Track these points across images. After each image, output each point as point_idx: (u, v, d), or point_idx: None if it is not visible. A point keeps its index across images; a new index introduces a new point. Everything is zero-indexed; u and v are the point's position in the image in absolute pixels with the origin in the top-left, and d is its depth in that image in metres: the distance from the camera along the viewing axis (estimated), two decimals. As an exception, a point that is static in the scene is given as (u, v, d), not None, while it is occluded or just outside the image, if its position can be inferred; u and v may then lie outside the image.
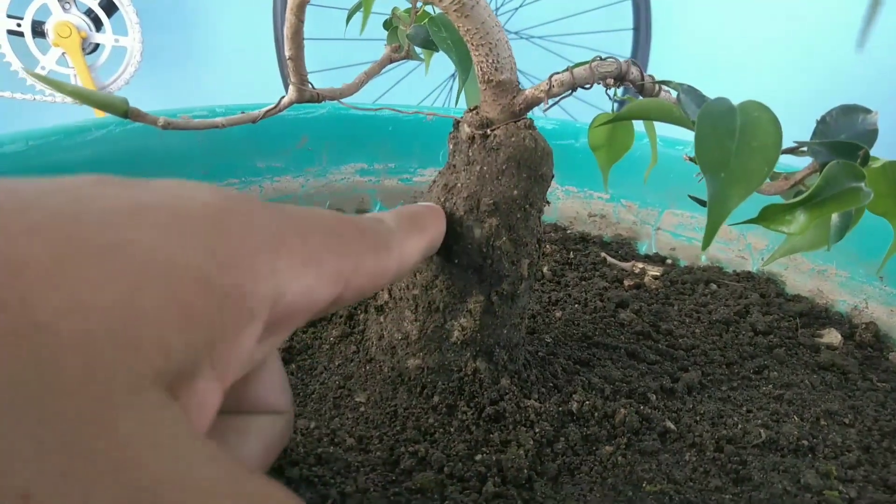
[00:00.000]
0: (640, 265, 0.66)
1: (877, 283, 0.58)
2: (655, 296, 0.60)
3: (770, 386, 0.46)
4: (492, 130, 0.41)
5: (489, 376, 0.42)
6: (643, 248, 0.72)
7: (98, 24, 1.59)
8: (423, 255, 0.26)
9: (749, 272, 0.66)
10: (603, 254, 0.68)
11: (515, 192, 0.40)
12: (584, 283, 0.61)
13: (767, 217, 0.35)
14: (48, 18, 1.54)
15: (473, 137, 0.41)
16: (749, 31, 1.85)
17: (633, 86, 0.41)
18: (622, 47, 1.79)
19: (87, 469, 0.12)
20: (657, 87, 0.42)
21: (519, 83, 0.41)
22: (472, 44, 0.39)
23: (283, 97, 0.46)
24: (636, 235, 0.73)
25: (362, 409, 0.40)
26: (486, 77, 0.40)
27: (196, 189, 0.19)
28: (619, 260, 0.67)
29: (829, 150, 0.34)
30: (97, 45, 1.62)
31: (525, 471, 0.36)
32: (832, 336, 0.54)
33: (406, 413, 0.40)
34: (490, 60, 0.40)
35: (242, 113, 0.47)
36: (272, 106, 0.46)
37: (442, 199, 0.42)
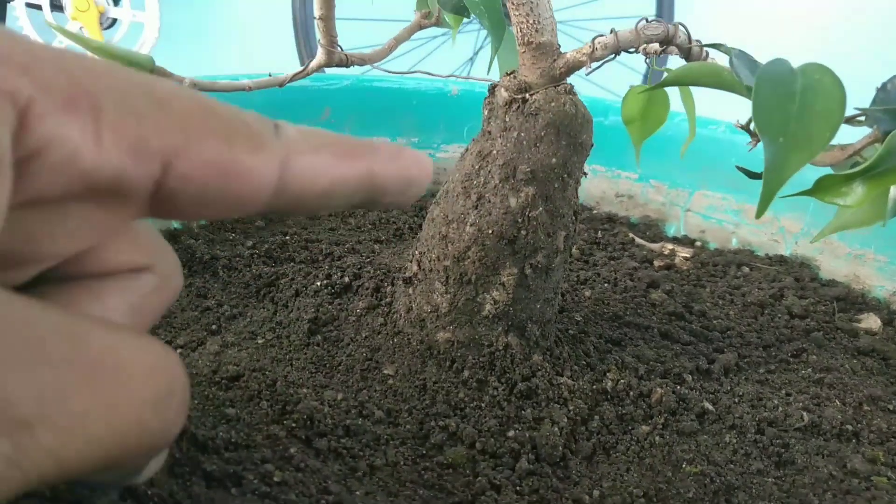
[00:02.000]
0: (670, 246, 0.64)
1: (917, 269, 0.56)
2: (686, 277, 0.58)
3: (809, 370, 0.45)
4: (531, 95, 0.39)
5: (521, 352, 0.40)
6: (671, 230, 0.70)
7: (116, -1, 1.58)
8: (348, 188, 0.19)
9: (782, 256, 0.64)
10: (631, 234, 0.66)
11: (554, 160, 0.39)
12: (612, 262, 0.59)
13: (823, 188, 0.33)
14: (66, -8, 1.53)
15: (511, 102, 0.39)
16: (776, 18, 1.81)
17: (679, 50, 0.40)
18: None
19: None
20: (704, 51, 0.40)
21: (559, 46, 0.39)
22: (513, 3, 0.38)
23: (312, 60, 0.45)
24: (664, 217, 0.71)
25: (390, 381, 0.39)
26: (526, 39, 0.38)
27: None
28: (647, 241, 0.66)
29: (892, 118, 0.32)
30: (115, 21, 1.60)
31: (560, 448, 0.35)
32: (871, 321, 0.52)
33: (435, 387, 0.38)
34: (531, 21, 0.38)
35: (270, 76, 0.46)
36: (300, 69, 0.45)
37: (476, 168, 0.40)
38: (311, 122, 0.71)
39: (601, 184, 0.74)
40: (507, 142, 0.39)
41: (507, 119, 0.39)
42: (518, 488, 0.32)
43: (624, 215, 0.72)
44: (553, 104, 0.38)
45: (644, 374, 0.42)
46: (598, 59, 0.39)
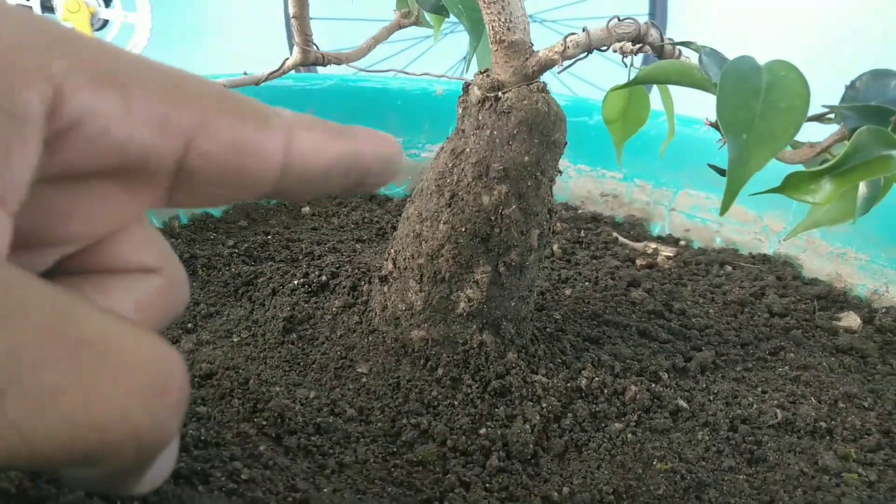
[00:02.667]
0: (653, 245, 0.64)
1: (898, 267, 0.56)
2: (668, 276, 0.58)
3: (786, 367, 0.45)
4: (503, 93, 0.39)
5: (495, 350, 0.40)
6: (656, 230, 0.70)
7: (107, 0, 1.58)
8: (342, 167, 0.20)
9: (765, 255, 0.64)
10: (615, 233, 0.66)
11: (526, 158, 0.39)
12: (594, 261, 0.59)
13: (791, 185, 0.34)
14: (57, -7, 1.53)
15: (484, 100, 0.39)
16: (769, 17, 1.81)
17: (651, 48, 0.40)
18: (637, 33, 1.76)
19: None
20: (677, 49, 0.40)
21: (532, 44, 0.39)
22: (485, 1, 0.38)
23: (287, 59, 0.45)
24: (649, 216, 0.71)
25: (364, 379, 0.39)
26: (498, 37, 0.38)
27: None
28: (632, 240, 0.66)
29: (859, 116, 0.32)
30: (106, 22, 1.60)
31: (531, 446, 0.35)
32: (851, 319, 0.52)
33: (409, 385, 0.38)
34: (502, 19, 0.38)
35: (245, 75, 0.46)
36: (276, 68, 0.45)
37: (449, 165, 0.40)
38: (295, 122, 0.71)
39: (586, 183, 0.74)
40: (480, 140, 0.39)
41: (480, 117, 0.39)
42: (488, 485, 0.32)
43: (609, 215, 0.72)
44: (525, 102, 0.38)
45: (620, 371, 0.42)
46: (570, 58, 0.39)
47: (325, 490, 0.30)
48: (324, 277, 0.47)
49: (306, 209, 0.66)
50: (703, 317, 0.51)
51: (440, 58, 1.64)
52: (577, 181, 0.75)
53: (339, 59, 0.46)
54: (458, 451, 0.34)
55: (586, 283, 0.54)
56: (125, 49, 0.18)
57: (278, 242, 0.57)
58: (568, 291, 0.53)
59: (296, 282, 0.46)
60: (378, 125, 0.72)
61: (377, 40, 0.50)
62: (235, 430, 0.34)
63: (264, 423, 0.34)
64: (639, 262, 0.61)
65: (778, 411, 0.38)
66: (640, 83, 0.38)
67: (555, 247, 0.61)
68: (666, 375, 0.42)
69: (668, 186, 0.71)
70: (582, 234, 0.65)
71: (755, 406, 0.39)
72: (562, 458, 0.35)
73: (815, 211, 0.39)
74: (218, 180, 0.18)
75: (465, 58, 1.87)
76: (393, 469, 0.33)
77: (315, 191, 0.21)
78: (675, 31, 1.76)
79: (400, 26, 0.52)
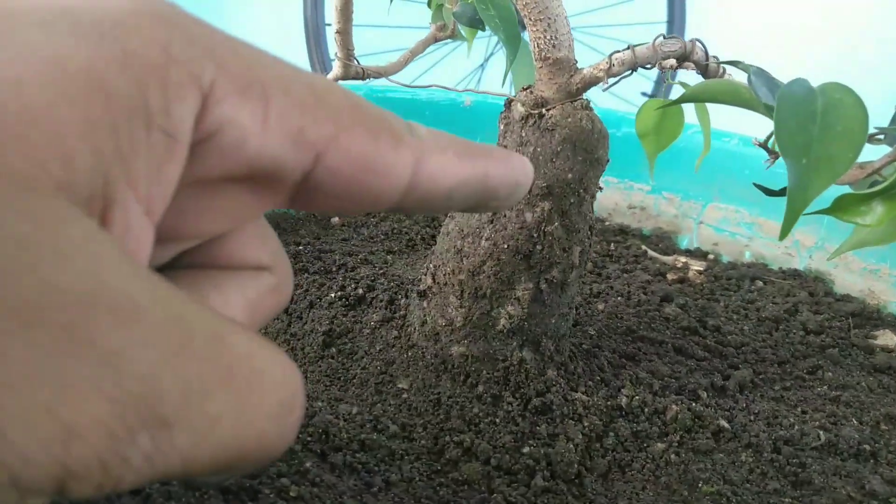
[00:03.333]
0: (683, 259, 0.64)
1: (933, 285, 0.56)
2: (700, 291, 0.58)
3: (825, 387, 0.44)
4: (547, 110, 0.39)
5: (535, 367, 0.40)
6: (684, 242, 0.70)
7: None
8: (467, 189, 0.20)
9: (796, 270, 0.63)
10: (644, 246, 0.66)
11: (570, 175, 0.39)
12: (625, 275, 0.59)
13: (842, 207, 0.33)
14: None
15: (527, 117, 0.39)
16: (788, 24, 1.81)
17: (696, 67, 0.40)
18: (655, 40, 1.75)
19: None
20: (721, 68, 0.40)
21: (576, 61, 0.39)
22: (530, 18, 0.38)
23: (328, 73, 0.45)
24: (677, 229, 0.71)
25: (405, 395, 0.39)
26: (543, 54, 0.38)
27: None
28: (660, 253, 0.66)
29: (911, 138, 0.32)
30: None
31: (575, 465, 0.35)
32: (887, 337, 0.52)
33: (450, 402, 0.38)
34: (548, 37, 0.38)
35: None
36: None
37: (492, 182, 0.40)
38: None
39: (614, 195, 0.74)
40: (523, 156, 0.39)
41: (524, 134, 0.39)
42: (533, 506, 0.32)
43: (636, 227, 0.72)
44: (570, 119, 0.38)
45: (659, 390, 0.41)
46: (615, 75, 0.39)
47: (373, 509, 0.30)
48: (360, 290, 0.47)
49: (335, 219, 0.67)
50: (738, 334, 0.51)
51: (457, 64, 1.64)
52: (605, 193, 0.74)
53: (378, 73, 0.46)
54: (503, 469, 0.34)
55: (619, 298, 0.54)
56: (265, 51, 0.18)
57: (310, 253, 0.57)
58: (601, 306, 0.52)
59: (332, 295, 0.47)
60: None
61: (414, 53, 0.50)
62: (280, 445, 0.34)
63: (309, 438, 0.34)
64: (670, 276, 0.60)
65: (821, 433, 0.38)
66: (686, 101, 0.38)
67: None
68: (705, 394, 0.42)
69: (696, 199, 0.71)
70: (612, 247, 0.65)
71: (797, 427, 0.39)
72: (605, 479, 0.35)
73: (859, 230, 0.39)
74: (341, 194, 0.18)
75: (482, 65, 1.88)
76: (439, 487, 0.33)
77: (435, 210, 0.20)
78: (693, 37, 1.76)
79: (436, 39, 0.52)
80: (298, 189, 0.18)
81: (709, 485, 0.34)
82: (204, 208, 0.18)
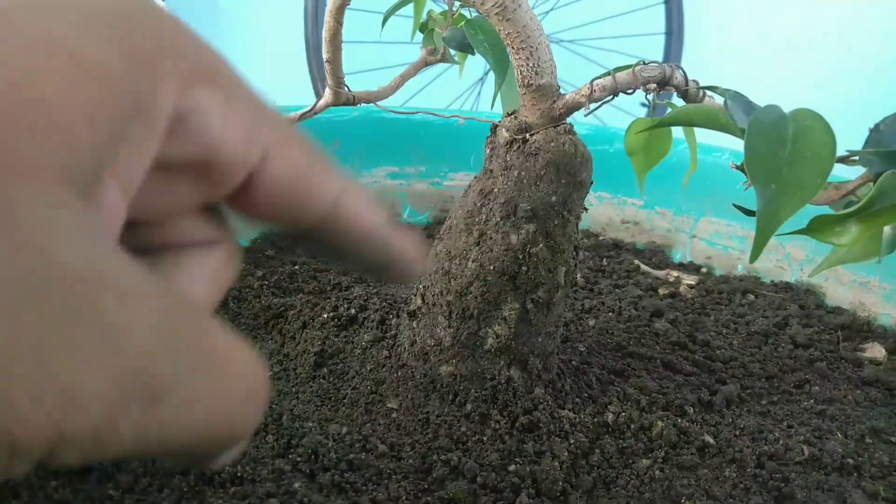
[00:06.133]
0: (675, 273, 0.64)
1: (922, 297, 0.56)
2: (691, 305, 0.59)
3: (811, 401, 0.45)
4: (531, 135, 0.40)
5: (523, 385, 0.41)
6: (677, 256, 0.71)
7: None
8: (375, 242, 0.21)
9: (787, 283, 0.64)
10: (636, 261, 0.67)
11: (554, 198, 0.40)
12: (617, 290, 0.60)
13: (817, 228, 0.34)
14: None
15: (512, 142, 0.40)
16: (787, 37, 1.82)
17: (676, 91, 0.40)
18: (654, 52, 1.76)
19: None
20: (701, 92, 0.41)
21: (559, 87, 0.40)
22: (513, 47, 0.39)
23: (319, 100, 0.46)
24: (670, 243, 0.72)
25: (394, 415, 0.40)
26: (526, 81, 0.39)
27: None
28: (653, 268, 0.66)
29: (884, 160, 0.33)
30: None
31: (560, 483, 0.35)
32: (875, 350, 0.52)
33: (438, 420, 0.39)
34: (531, 64, 0.39)
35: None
36: (308, 108, 0.46)
37: (478, 205, 0.41)
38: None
39: (607, 210, 0.75)
40: (508, 180, 0.40)
41: (508, 158, 0.40)
42: (518, 524, 0.33)
43: (630, 241, 0.73)
44: (553, 144, 0.39)
45: (646, 406, 0.42)
46: (596, 101, 0.40)
47: (360, 528, 0.31)
48: (353, 311, 0.48)
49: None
50: (726, 348, 0.51)
51: (452, 83, 1.65)
52: (598, 208, 0.75)
53: (368, 99, 0.47)
54: (489, 487, 0.35)
55: (609, 314, 0.55)
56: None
57: (306, 273, 0.58)
58: (592, 322, 0.53)
59: (325, 315, 0.47)
60: (402, 154, 0.74)
61: (404, 78, 0.51)
62: (270, 466, 0.35)
63: (298, 458, 0.35)
64: (661, 290, 0.61)
65: (805, 447, 0.39)
66: (665, 125, 0.39)
67: (577, 276, 0.62)
68: (692, 410, 0.42)
69: (689, 213, 0.72)
70: (604, 262, 0.66)
71: (781, 442, 0.40)
72: (590, 495, 0.36)
73: (838, 248, 0.39)
74: (275, 201, 0.19)
75: (481, 79, 1.89)
76: (425, 507, 0.34)
77: (347, 249, 0.21)
78: (692, 50, 1.76)
79: (426, 63, 0.53)
80: (240, 187, 0.19)
81: (692, 500, 0.34)
82: (160, 191, 0.19)
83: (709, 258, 0.69)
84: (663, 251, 0.71)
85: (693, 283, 0.63)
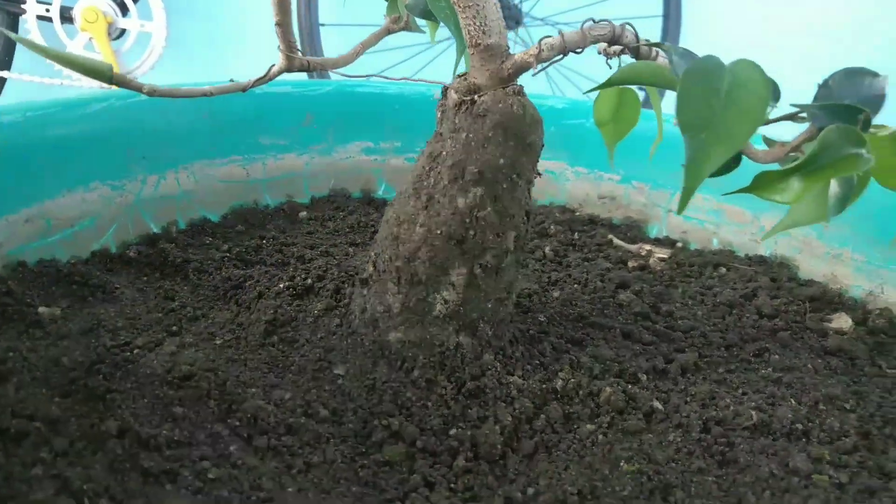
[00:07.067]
0: (648, 247, 0.64)
1: (895, 267, 0.55)
2: (659, 278, 0.58)
3: (769, 369, 0.44)
4: (479, 96, 0.39)
5: (472, 351, 0.40)
6: (654, 231, 0.70)
7: (124, 10, 1.61)
8: None
9: (762, 256, 0.63)
10: (610, 235, 0.66)
11: (502, 160, 0.39)
12: (586, 263, 0.59)
13: (760, 185, 0.33)
14: (75, 4, 1.56)
15: (461, 104, 0.40)
16: (785, 19, 1.79)
17: (627, 49, 0.40)
18: (651, 35, 1.74)
19: None
20: (654, 51, 0.40)
21: (508, 48, 0.40)
22: (459, 5, 0.38)
23: (273, 66, 0.46)
24: (647, 218, 0.71)
25: (340, 381, 0.39)
26: (474, 41, 0.39)
27: None
28: (627, 242, 0.65)
29: (828, 114, 0.32)
30: (123, 31, 1.63)
31: (499, 447, 0.35)
32: (842, 321, 0.51)
33: (384, 387, 0.39)
34: (477, 23, 0.38)
35: (231, 82, 0.47)
36: (262, 75, 0.46)
37: (426, 169, 0.41)
38: (293, 127, 0.72)
39: (584, 186, 0.74)
40: (457, 143, 0.39)
41: (457, 120, 0.40)
42: (452, 485, 0.33)
43: (606, 217, 0.72)
44: (500, 105, 0.39)
45: (599, 373, 0.42)
46: (544, 60, 0.39)
47: (289, 490, 0.31)
48: (309, 280, 0.47)
49: (303, 213, 0.67)
50: (689, 319, 0.51)
51: (449, 63, 1.63)
52: (575, 183, 0.75)
53: (323, 65, 0.46)
54: (427, 451, 0.35)
55: (575, 286, 0.54)
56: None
57: (272, 246, 0.58)
58: (556, 294, 0.53)
59: (282, 285, 0.47)
60: (376, 129, 0.73)
61: (365, 46, 0.51)
62: (209, 430, 0.34)
63: (237, 423, 0.35)
64: (631, 264, 0.60)
65: (753, 413, 0.38)
66: (613, 85, 0.38)
67: (547, 249, 0.61)
68: (645, 377, 0.42)
69: (665, 188, 0.71)
70: (576, 236, 0.65)
71: (732, 408, 0.39)
72: (531, 459, 0.35)
73: (794, 210, 0.39)
74: None
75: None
76: (359, 469, 0.33)
77: None
78: (689, 33, 1.74)
79: (389, 31, 0.53)
80: None
81: (630, 464, 0.34)
82: None
83: (685, 232, 0.69)
84: (639, 226, 0.70)
85: (665, 256, 0.62)
